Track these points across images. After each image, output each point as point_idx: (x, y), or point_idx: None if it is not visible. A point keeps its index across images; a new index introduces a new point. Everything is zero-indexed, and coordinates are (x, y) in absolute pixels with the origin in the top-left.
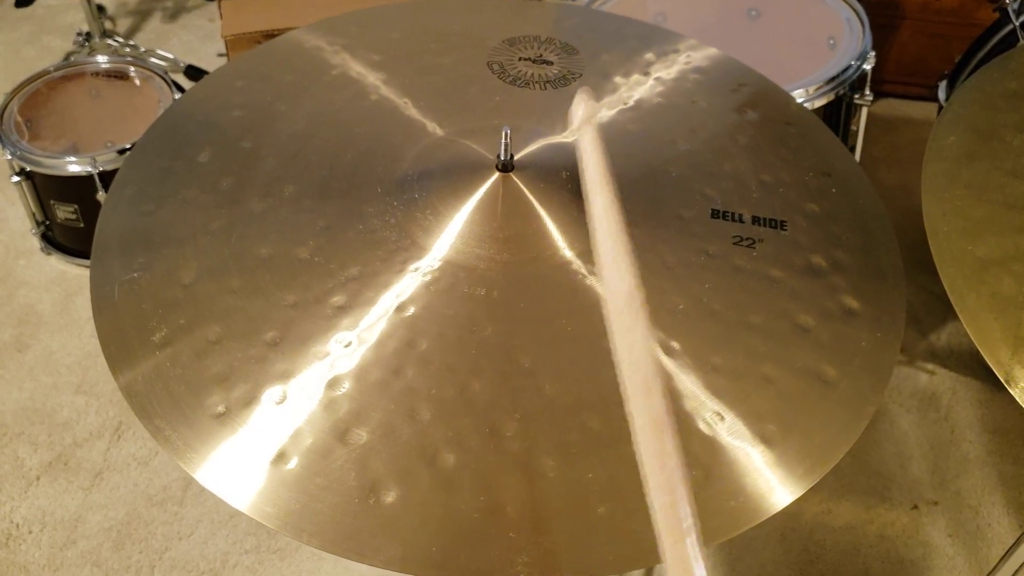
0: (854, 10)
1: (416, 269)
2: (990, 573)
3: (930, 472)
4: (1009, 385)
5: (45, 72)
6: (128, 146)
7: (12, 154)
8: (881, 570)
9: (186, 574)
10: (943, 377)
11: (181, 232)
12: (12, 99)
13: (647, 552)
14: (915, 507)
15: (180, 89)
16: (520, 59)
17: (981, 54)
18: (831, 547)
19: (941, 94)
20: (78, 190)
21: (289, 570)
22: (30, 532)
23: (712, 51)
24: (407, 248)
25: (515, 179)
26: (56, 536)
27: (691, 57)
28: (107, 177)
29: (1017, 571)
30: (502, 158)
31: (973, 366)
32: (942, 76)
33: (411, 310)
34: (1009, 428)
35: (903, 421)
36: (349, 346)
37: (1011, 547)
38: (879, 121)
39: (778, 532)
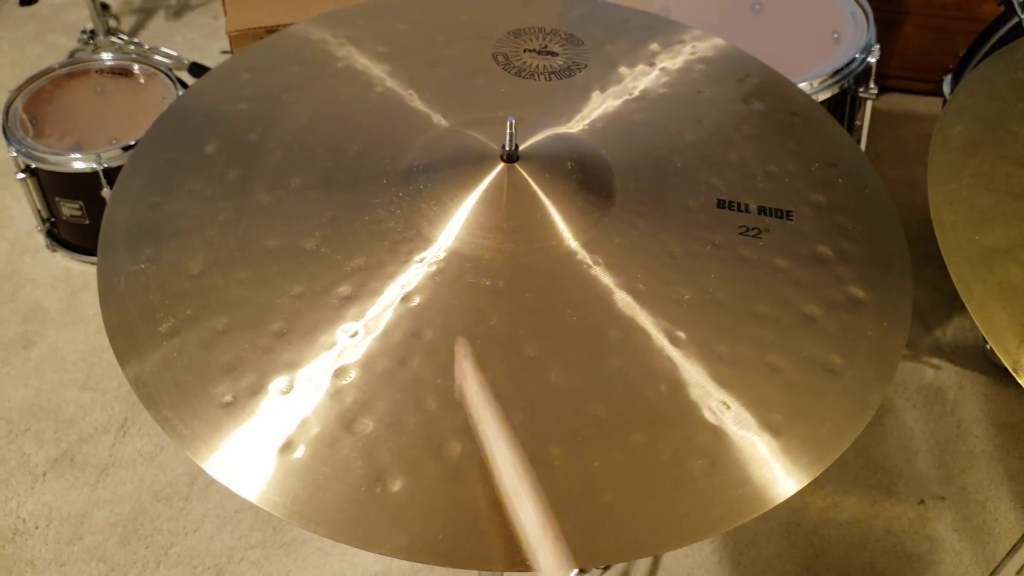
0: (858, 3)
1: (422, 260)
2: (996, 568)
3: (936, 467)
4: (1017, 374)
5: (50, 69)
6: (132, 143)
7: (17, 151)
8: (887, 564)
9: (192, 569)
10: (949, 372)
11: (188, 224)
12: (17, 96)
13: (652, 540)
14: (921, 502)
15: (184, 86)
16: (525, 50)
17: (986, 48)
18: (837, 541)
19: (946, 89)
20: (83, 187)
21: (295, 565)
22: (36, 528)
23: (718, 41)
24: (413, 239)
25: (520, 170)
26: (62, 531)
27: (696, 47)
28: (112, 174)
29: (1023, 567)
30: (507, 149)
31: (979, 361)
32: (947, 71)
33: (417, 300)
34: (1015, 423)
35: (909, 416)
36: (355, 336)
37: (1018, 542)
38: (883, 116)
39: (783, 526)
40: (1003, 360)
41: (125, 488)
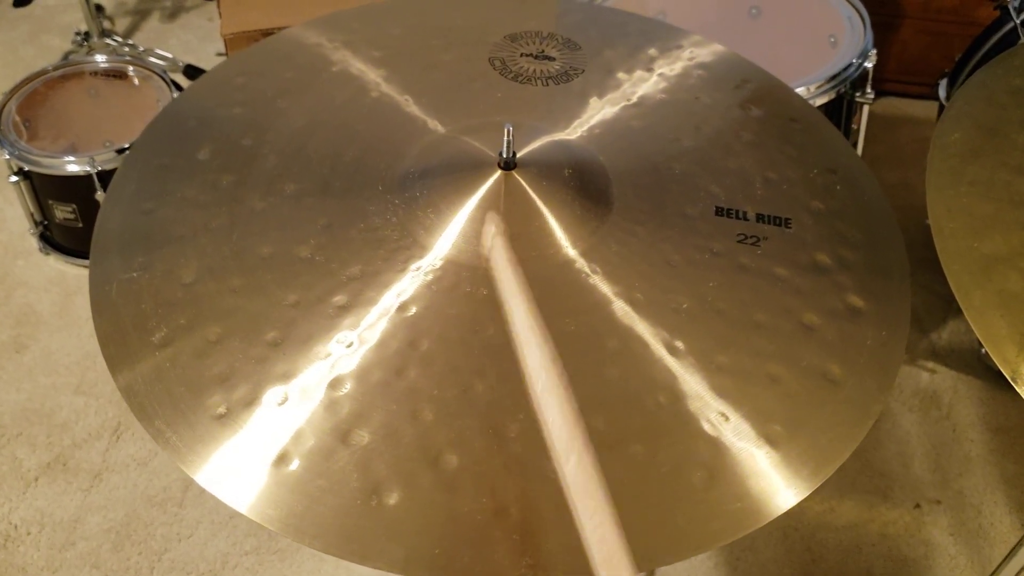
0: (855, 8)
1: (418, 268)
2: (993, 573)
3: (932, 471)
4: (1016, 383)
5: (43, 71)
6: (127, 146)
7: (10, 154)
8: (883, 569)
9: (185, 575)
10: (944, 376)
11: (181, 231)
12: (10, 99)
13: (650, 554)
14: (917, 506)
15: (179, 88)
16: (522, 55)
17: (981, 52)
18: (833, 546)
19: (941, 92)
20: (76, 190)
21: (289, 571)
22: (28, 533)
23: (716, 47)
24: (409, 247)
25: (517, 177)
26: (55, 537)
27: (695, 53)
28: (106, 177)
29: (1020, 572)
30: (504, 156)
31: (974, 364)
32: (942, 75)
33: (413, 310)
34: (1011, 427)
35: (905, 420)
36: (351, 346)
37: (1015, 547)
38: (880, 120)
39: (780, 531)
40: (1002, 369)
41: (118, 493)
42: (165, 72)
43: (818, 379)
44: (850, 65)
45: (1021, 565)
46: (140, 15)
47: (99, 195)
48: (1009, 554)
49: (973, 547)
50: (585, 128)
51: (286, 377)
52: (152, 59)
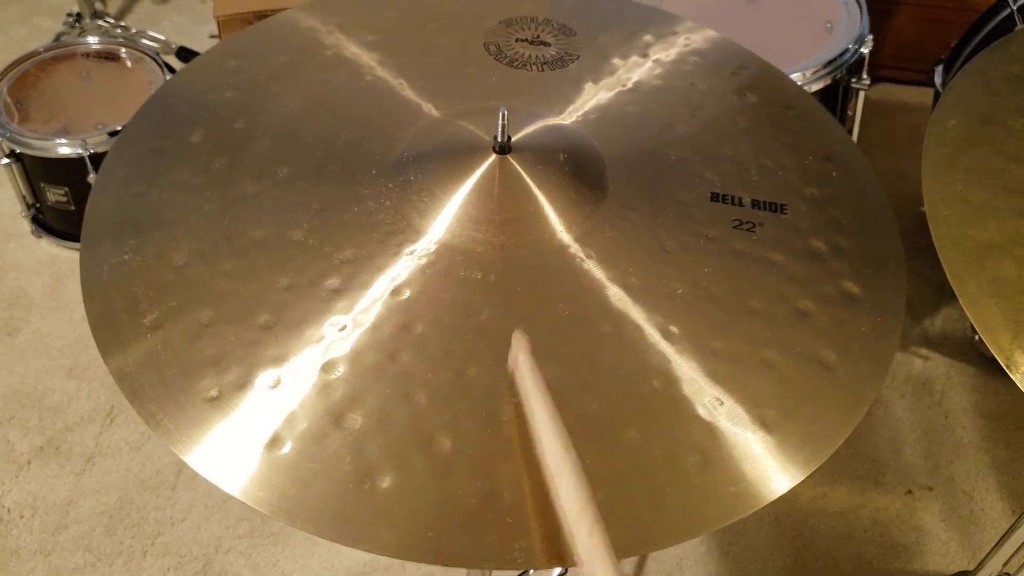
0: None
1: (412, 252)
2: (984, 559)
3: (924, 457)
4: (1010, 370)
5: (35, 53)
6: (119, 128)
7: (2, 136)
8: (874, 554)
9: (179, 559)
10: (937, 362)
11: (173, 214)
12: (2, 80)
13: (644, 538)
14: (909, 492)
15: (172, 71)
16: (517, 40)
17: (978, 39)
18: (825, 532)
19: (937, 79)
20: (68, 172)
21: (283, 555)
22: (21, 517)
23: (711, 33)
24: (402, 231)
25: (512, 161)
26: (48, 521)
27: (690, 39)
28: (98, 159)
29: (1011, 557)
30: (499, 140)
31: (967, 351)
32: (938, 61)
33: (407, 294)
34: (1003, 413)
35: (897, 406)
36: (344, 329)
37: (1005, 533)
38: (874, 106)
39: (772, 517)
40: (996, 356)
41: (111, 477)
42: (158, 54)
43: (812, 365)
44: (846, 51)
45: (1012, 551)
46: None
47: (91, 178)
48: (1000, 540)
49: (964, 533)
50: (580, 113)
51: (279, 360)
52: (145, 41)
